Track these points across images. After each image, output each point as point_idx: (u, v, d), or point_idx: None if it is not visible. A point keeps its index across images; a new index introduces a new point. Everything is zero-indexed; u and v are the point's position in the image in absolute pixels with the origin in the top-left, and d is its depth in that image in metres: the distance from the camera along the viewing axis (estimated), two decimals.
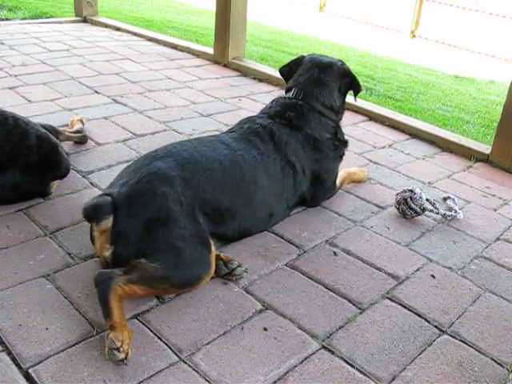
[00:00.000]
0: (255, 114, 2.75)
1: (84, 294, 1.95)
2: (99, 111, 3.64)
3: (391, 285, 2.19)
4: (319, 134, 2.62)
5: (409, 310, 2.05)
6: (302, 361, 1.76)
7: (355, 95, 2.86)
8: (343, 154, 2.78)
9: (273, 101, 2.74)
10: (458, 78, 7.62)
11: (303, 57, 2.83)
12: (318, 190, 2.65)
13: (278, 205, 2.45)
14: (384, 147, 3.61)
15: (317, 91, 2.67)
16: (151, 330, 1.82)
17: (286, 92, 2.76)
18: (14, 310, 1.85)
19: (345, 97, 2.81)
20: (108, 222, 1.92)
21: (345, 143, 2.79)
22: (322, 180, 2.65)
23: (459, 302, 2.12)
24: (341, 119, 2.81)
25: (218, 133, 3.19)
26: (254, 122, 2.56)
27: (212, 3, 5.25)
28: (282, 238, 2.43)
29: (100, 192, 2.29)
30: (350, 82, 2.76)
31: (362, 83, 2.85)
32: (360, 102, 4.17)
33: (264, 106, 2.80)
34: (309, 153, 2.57)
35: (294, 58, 2.90)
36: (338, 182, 2.81)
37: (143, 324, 1.85)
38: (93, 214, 1.94)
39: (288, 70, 2.85)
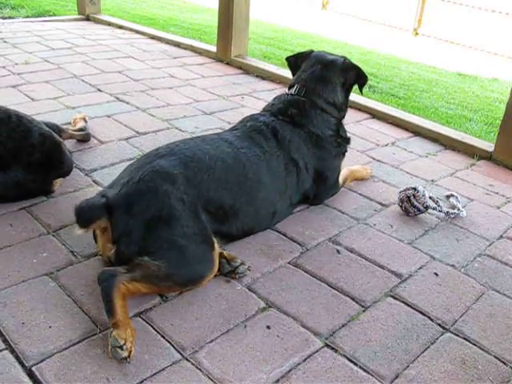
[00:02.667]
0: (258, 111, 2.75)
1: (87, 292, 1.96)
2: (102, 109, 3.64)
3: (394, 283, 2.18)
4: (321, 131, 2.62)
5: (412, 307, 2.05)
6: (305, 359, 1.76)
7: (361, 87, 2.81)
8: (345, 150, 2.78)
9: (275, 98, 2.74)
10: (461, 76, 7.60)
11: (312, 51, 2.83)
12: (320, 187, 2.64)
13: (281, 203, 2.44)
14: (387, 145, 3.60)
15: (319, 87, 2.66)
16: (154, 328, 1.82)
17: (289, 88, 2.76)
18: (16, 308, 1.85)
19: (349, 93, 2.79)
20: (100, 224, 1.94)
21: (347, 140, 2.78)
22: (324, 177, 2.64)
23: (462, 300, 2.12)
24: (343, 116, 2.79)
25: (220, 131, 3.18)
26: (257, 119, 2.56)
27: (215, 1, 5.25)
28: (285, 235, 2.43)
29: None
30: (356, 75, 2.74)
31: None
32: (363, 100, 4.17)
33: (267, 103, 2.79)
34: (312, 150, 2.57)
35: (304, 50, 2.89)
36: (340, 179, 2.80)
37: (146, 322, 1.85)
38: (82, 220, 1.92)
39: (294, 61, 2.86)
